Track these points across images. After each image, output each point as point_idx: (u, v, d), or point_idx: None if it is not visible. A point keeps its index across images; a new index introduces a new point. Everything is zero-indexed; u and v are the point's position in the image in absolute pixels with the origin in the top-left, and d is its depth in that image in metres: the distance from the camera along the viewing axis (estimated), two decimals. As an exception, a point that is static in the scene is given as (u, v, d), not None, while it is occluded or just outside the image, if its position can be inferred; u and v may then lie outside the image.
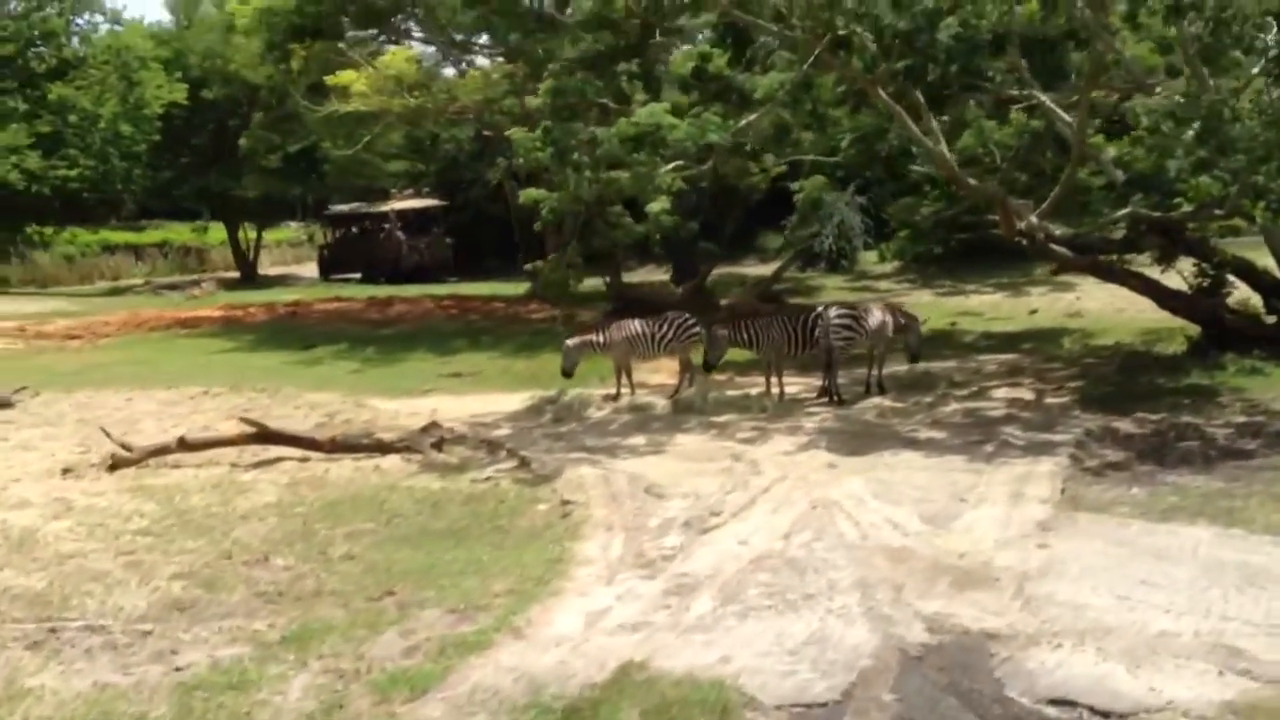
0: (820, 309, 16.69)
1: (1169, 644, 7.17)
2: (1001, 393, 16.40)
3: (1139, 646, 7.15)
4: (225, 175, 43.86)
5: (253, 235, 50.44)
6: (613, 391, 17.13)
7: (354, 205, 48.86)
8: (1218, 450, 12.68)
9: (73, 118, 42.76)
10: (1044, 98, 15.72)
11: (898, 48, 13.23)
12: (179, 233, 55.24)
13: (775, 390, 16.59)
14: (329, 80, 24.29)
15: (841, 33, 14.32)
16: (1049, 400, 15.78)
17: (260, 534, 10.34)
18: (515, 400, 17.20)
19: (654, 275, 39.39)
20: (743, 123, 15.34)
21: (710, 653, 7.23)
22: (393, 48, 25.82)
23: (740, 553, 9.28)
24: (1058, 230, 16.84)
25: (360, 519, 10.82)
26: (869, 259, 37.08)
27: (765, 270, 37.90)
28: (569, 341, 17.06)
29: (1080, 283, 28.58)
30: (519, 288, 33.77)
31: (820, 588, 8.43)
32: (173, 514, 11.01)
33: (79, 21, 46.40)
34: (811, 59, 14.29)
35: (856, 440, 13.56)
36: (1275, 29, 13.37)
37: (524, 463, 12.88)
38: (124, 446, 13.39)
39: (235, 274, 50.18)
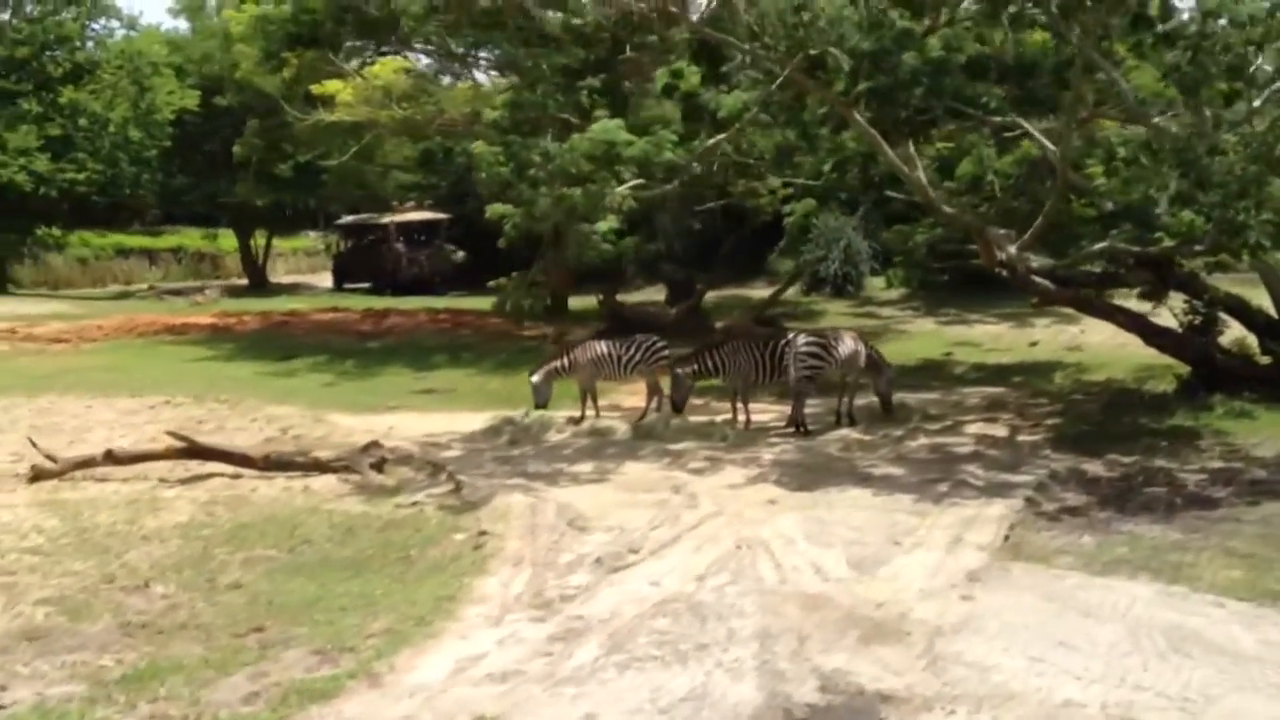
0: (790, 337, 16.12)
1: (1071, 715, 6.58)
2: (975, 428, 15.78)
3: (1038, 718, 6.55)
4: (235, 182, 43.60)
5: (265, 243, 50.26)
6: (577, 414, 16.63)
7: (364, 216, 48.57)
8: (1184, 498, 12.03)
9: (83, 121, 42.66)
10: (1028, 126, 15.13)
11: (865, 69, 12.64)
12: (193, 238, 55.10)
13: (741, 419, 16.02)
14: (314, 89, 23.91)
15: (814, 53, 13.77)
16: (1021, 438, 15.16)
17: (154, 557, 9.88)
18: (479, 419, 16.73)
19: (662, 294, 38.90)
20: (710, 142, 14.81)
21: (575, 709, 6.71)
22: (384, 59, 25.40)
23: (646, 595, 8.74)
24: (1039, 263, 16.12)
25: (265, 544, 10.34)
26: (875, 285, 36.41)
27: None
28: (533, 378, 16.57)
29: (1085, 316, 27.88)
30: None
31: (718, 637, 7.87)
32: (73, 531, 10.57)
33: (94, 26, 46.40)
34: (780, 79, 13.69)
35: (808, 474, 12.98)
36: (1259, 59, 12.74)
37: (457, 488, 12.38)
38: (49, 458, 13.00)
39: (244, 281, 50.05)
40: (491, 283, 18.61)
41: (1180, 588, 8.93)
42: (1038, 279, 16.25)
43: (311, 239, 65.27)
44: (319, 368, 23.33)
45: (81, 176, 42.09)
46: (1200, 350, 16.96)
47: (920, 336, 28.42)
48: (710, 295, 35.43)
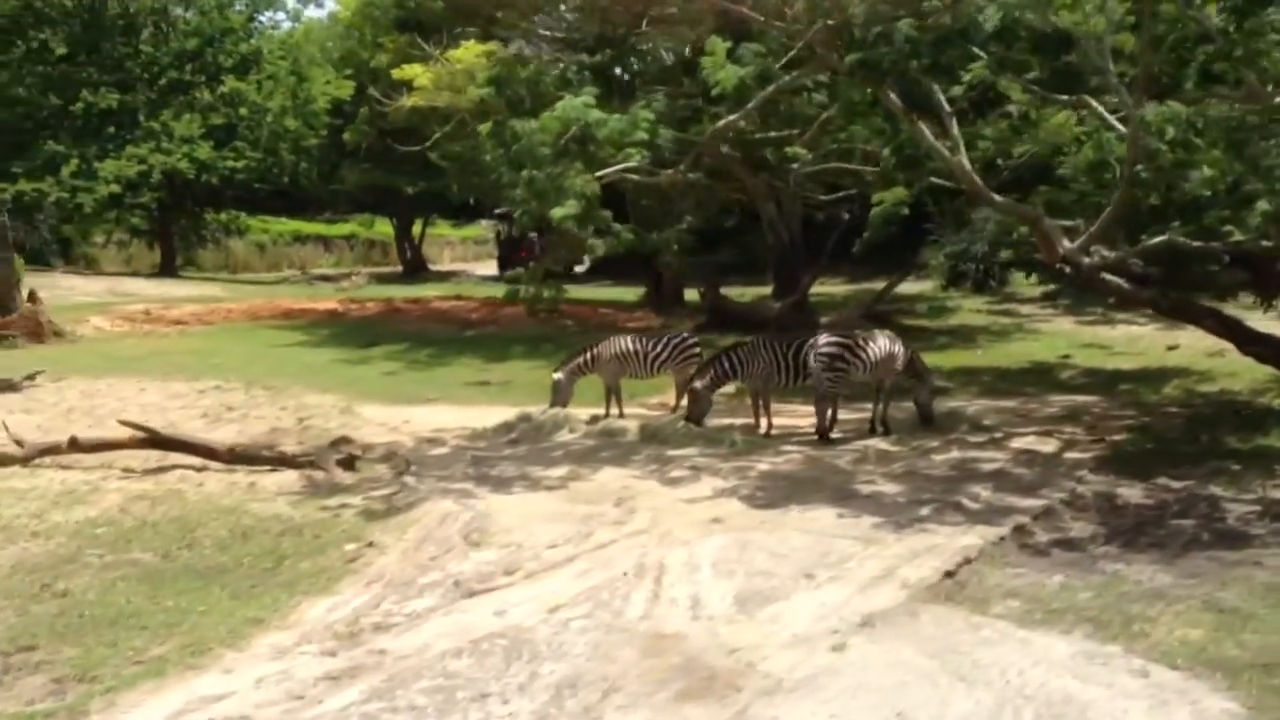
0: (815, 336, 14.77)
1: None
2: (1022, 442, 14.13)
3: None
4: (388, 171, 43.97)
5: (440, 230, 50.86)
6: (600, 412, 15.68)
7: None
8: (1213, 533, 10.31)
9: (243, 111, 43.79)
10: (1096, 104, 13.39)
11: (856, 38, 11.24)
12: (362, 226, 56.30)
13: (763, 423, 14.76)
14: (395, 74, 23.50)
15: (830, 23, 12.45)
16: (1070, 455, 13.48)
17: (16, 557, 9.36)
18: (504, 414, 15.88)
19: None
20: (721, 123, 13.58)
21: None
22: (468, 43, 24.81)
23: (476, 627, 7.73)
24: (1112, 256, 14.30)
25: (147, 546, 9.74)
26: (1019, 280, 34.11)
27: (915, 287, 35.58)
28: (556, 375, 15.67)
29: (1247, 318, 25.35)
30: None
31: (512, 684, 6.83)
32: (-36, 523, 10.17)
33: (261, 19, 47.60)
34: (791, 53, 12.39)
35: (788, 489, 11.71)
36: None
37: (400, 490, 11.56)
38: (16, 443, 12.76)
39: (397, 268, 50.77)
40: (506, 275, 17.62)
41: (1114, 648, 7.41)
42: (1109, 277, 14.42)
43: (483, 227, 65.94)
44: (393, 356, 23.00)
45: (240, 165, 43.14)
46: (1306, 360, 14.83)
47: (1049, 336, 26.37)
48: (836, 290, 34.02)
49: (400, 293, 38.40)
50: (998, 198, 13.90)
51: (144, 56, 44.48)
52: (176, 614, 8.04)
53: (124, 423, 13.03)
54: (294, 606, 8.13)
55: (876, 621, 7.83)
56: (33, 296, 25.45)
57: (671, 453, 13.63)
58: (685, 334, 16.05)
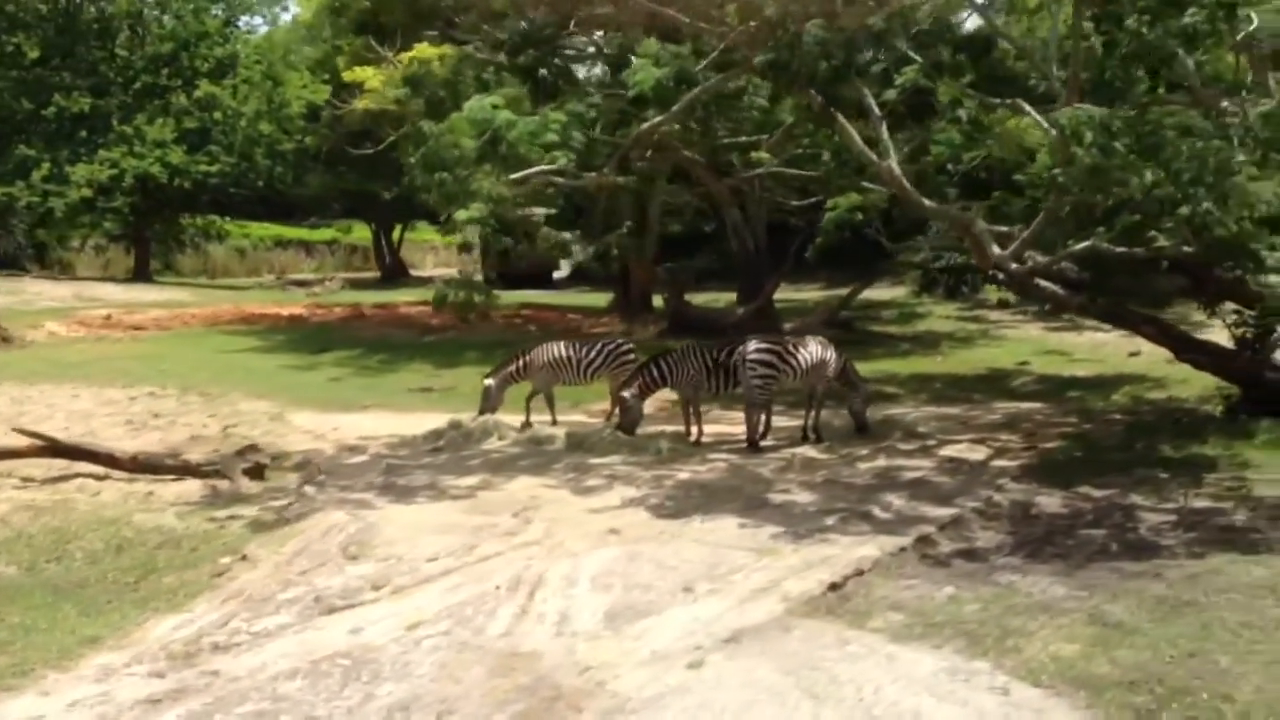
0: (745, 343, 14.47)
1: None
2: (953, 450, 13.85)
3: None
4: (364, 176, 43.66)
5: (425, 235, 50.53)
6: (545, 419, 15.38)
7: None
8: (1121, 544, 10.02)
9: (217, 115, 43.47)
10: (1028, 109, 13.09)
11: (766, 38, 10.95)
12: (340, 231, 55.94)
13: (694, 430, 14.47)
14: (345, 76, 23.15)
15: (754, 24, 12.16)
16: (997, 463, 13.21)
17: (-123, 569, 9.05)
18: (439, 421, 15.57)
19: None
20: (646, 126, 13.29)
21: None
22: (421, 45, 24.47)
23: (326, 646, 7.43)
24: (1046, 263, 14.00)
25: (14, 559, 9.48)
26: (991, 287, 33.76)
27: (889, 293, 35.32)
28: (488, 381, 15.34)
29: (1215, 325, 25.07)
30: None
31: (342, 708, 6.55)
32: None
33: (239, 23, 47.34)
34: (713, 55, 12.10)
35: (697, 499, 11.42)
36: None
37: (296, 501, 11.27)
38: (-92, 452, 12.47)
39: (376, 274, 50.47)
40: (434, 276, 17.33)
41: (982, 664, 7.12)
42: (1042, 283, 14.12)
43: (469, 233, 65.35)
44: (343, 362, 22.72)
45: (214, 169, 42.82)
46: (1246, 367, 14.51)
47: (1012, 343, 26.09)
48: (810, 295, 33.73)
49: (372, 298, 38.16)
50: (928, 203, 13.62)
51: (119, 61, 44.23)
52: (18, 631, 7.74)
53: (20, 431, 12.73)
54: (140, 624, 7.83)
55: (744, 637, 7.53)
56: (-18, 302, 25.14)
57: (595, 461, 13.34)
58: (620, 340, 15.77)
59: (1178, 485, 11.88)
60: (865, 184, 16.57)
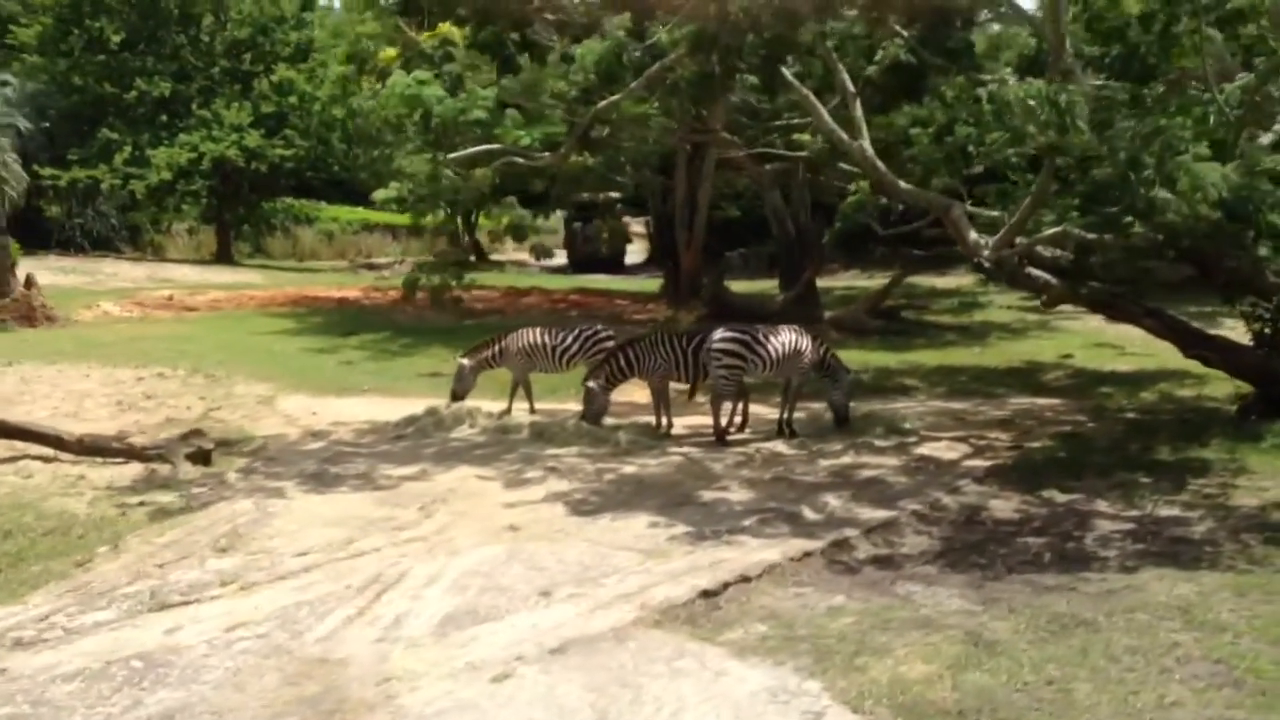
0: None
1: None
2: (930, 448, 13.16)
3: None
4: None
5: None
6: (504, 406, 15.02)
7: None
8: (1055, 554, 9.34)
9: (293, 99, 43.86)
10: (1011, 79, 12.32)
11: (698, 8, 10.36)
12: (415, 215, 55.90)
13: (663, 421, 13.96)
14: (380, 58, 22.98)
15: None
16: (970, 462, 12.50)
17: None
18: (423, 406, 15.30)
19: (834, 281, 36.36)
20: (603, 104, 12.78)
21: None
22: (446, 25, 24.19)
23: (129, 646, 7.14)
24: (1048, 252, 13.19)
25: (-97, 537, 9.32)
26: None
27: (955, 281, 34.33)
28: (463, 360, 14.99)
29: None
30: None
31: (100, 715, 6.23)
32: None
33: (315, 6, 47.68)
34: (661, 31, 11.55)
35: (625, 495, 10.97)
36: None
37: (214, 487, 11.07)
38: None
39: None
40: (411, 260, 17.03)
41: (815, 684, 6.63)
42: (1034, 272, 13.31)
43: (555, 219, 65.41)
44: (365, 345, 22.57)
45: (290, 153, 43.23)
46: (1258, 364, 13.52)
47: (1066, 335, 24.93)
48: (868, 283, 32.83)
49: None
50: (904, 185, 12.90)
51: (200, 45, 44.86)
52: None
53: (-31, 412, 12.74)
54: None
55: (572, 648, 7.05)
56: (29, 281, 25.61)
57: (550, 451, 12.94)
58: (599, 327, 15.26)
59: (1152, 491, 11.08)
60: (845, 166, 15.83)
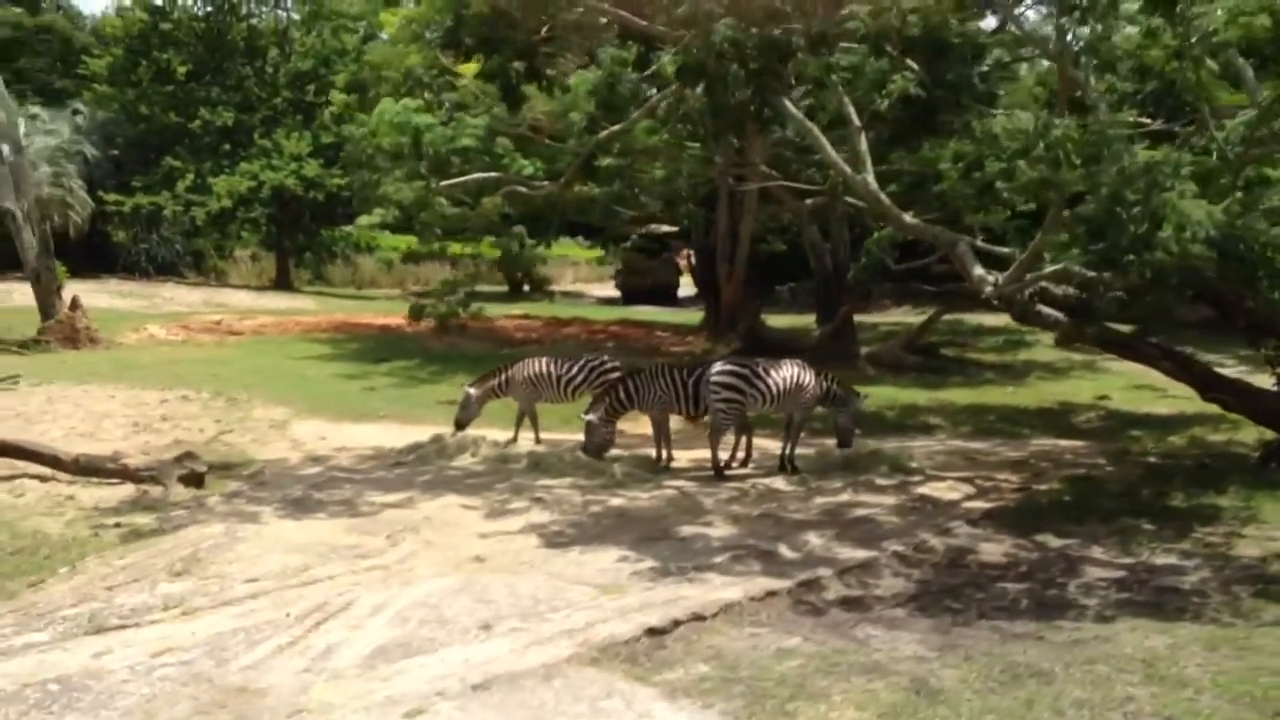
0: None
1: None
2: (931, 488, 12.83)
3: None
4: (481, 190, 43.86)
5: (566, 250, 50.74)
6: (511, 435, 14.93)
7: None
8: (1033, 600, 9.03)
9: (349, 129, 44.34)
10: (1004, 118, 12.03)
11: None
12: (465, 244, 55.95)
13: (663, 453, 13.77)
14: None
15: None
16: (969, 504, 12.17)
17: None
18: (435, 434, 15.28)
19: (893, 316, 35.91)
20: (604, 134, 12.67)
21: None
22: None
23: (53, 669, 7.10)
24: (1061, 290, 12.85)
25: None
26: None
27: (1000, 319, 33.68)
28: (471, 389, 14.93)
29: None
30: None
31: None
32: None
33: (383, 36, 48.23)
34: (667, 57, 11.45)
35: (602, 529, 10.80)
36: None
37: (190, 510, 11.07)
38: None
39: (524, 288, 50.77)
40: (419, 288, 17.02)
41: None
42: (1044, 310, 12.96)
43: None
44: (395, 372, 22.61)
45: (346, 181, 43.68)
46: (1277, 409, 13.03)
47: (1110, 376, 24.30)
48: (911, 319, 32.36)
49: (492, 310, 38.16)
50: (908, 219, 12.62)
51: (265, 77, 45.62)
52: None
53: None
54: None
55: (495, 685, 6.88)
56: (75, 304, 26.01)
57: (542, 482, 12.81)
58: (605, 358, 15.13)
59: (1154, 539, 10.69)
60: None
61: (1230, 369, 18.59)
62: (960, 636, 8.07)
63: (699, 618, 8.22)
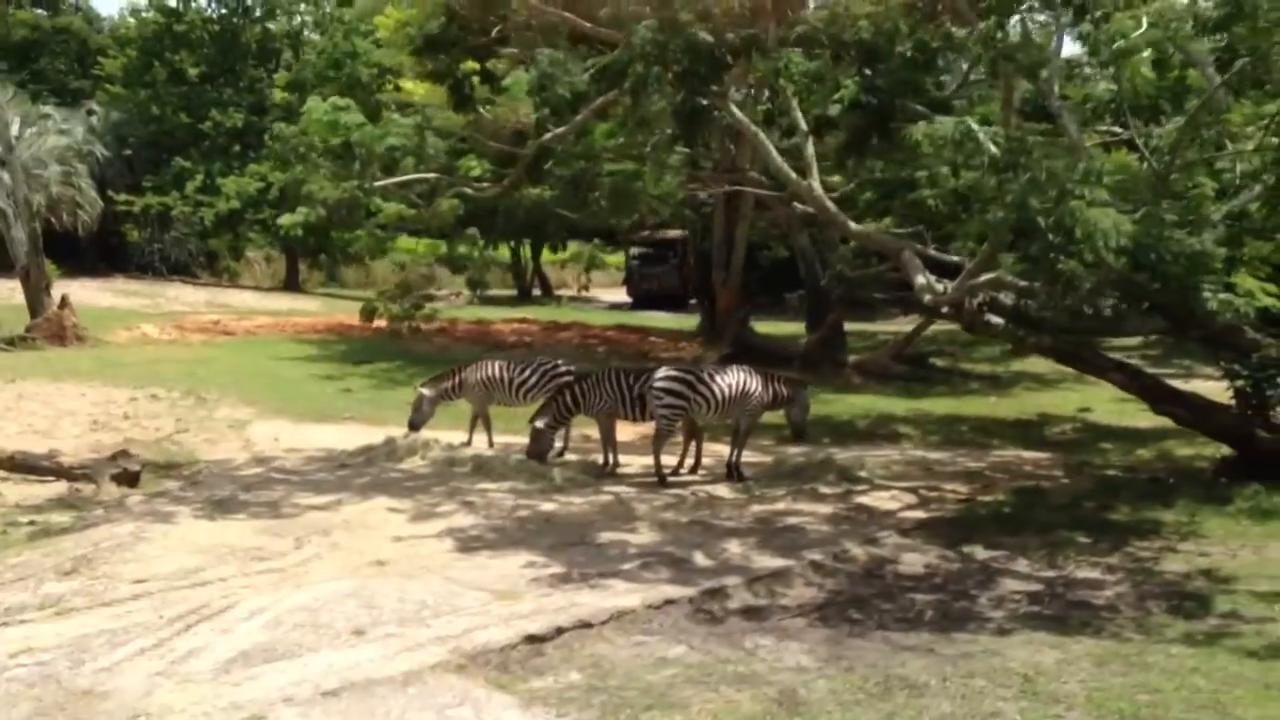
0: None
1: None
2: (872, 497, 12.66)
3: None
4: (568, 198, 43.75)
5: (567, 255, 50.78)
6: (465, 438, 14.85)
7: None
8: (940, 612, 8.85)
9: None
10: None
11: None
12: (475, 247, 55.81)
13: (610, 458, 13.64)
14: (398, 93, 23.06)
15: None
16: (907, 514, 11.99)
17: None
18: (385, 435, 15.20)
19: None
20: (548, 136, 12.55)
21: None
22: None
23: None
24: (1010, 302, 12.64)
25: None
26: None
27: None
28: (424, 390, 14.85)
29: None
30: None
31: None
32: None
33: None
34: (610, 58, 11.33)
35: (523, 534, 10.71)
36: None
37: (106, 509, 11.03)
38: None
39: (538, 290, 50.81)
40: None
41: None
42: (993, 319, 12.75)
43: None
44: (375, 374, 22.51)
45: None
46: (1232, 424, 12.76)
47: (1096, 388, 23.69)
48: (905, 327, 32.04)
49: (489, 314, 38.21)
50: (854, 225, 12.44)
51: (277, 79, 45.78)
52: None
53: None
54: None
55: (347, 692, 6.75)
56: (64, 302, 26.08)
57: (479, 486, 12.75)
58: (559, 362, 15.00)
59: (1087, 552, 10.49)
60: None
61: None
62: (850, 648, 7.90)
63: (586, 625, 8.08)
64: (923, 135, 9.41)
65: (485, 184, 13.54)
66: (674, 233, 44.22)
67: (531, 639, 7.74)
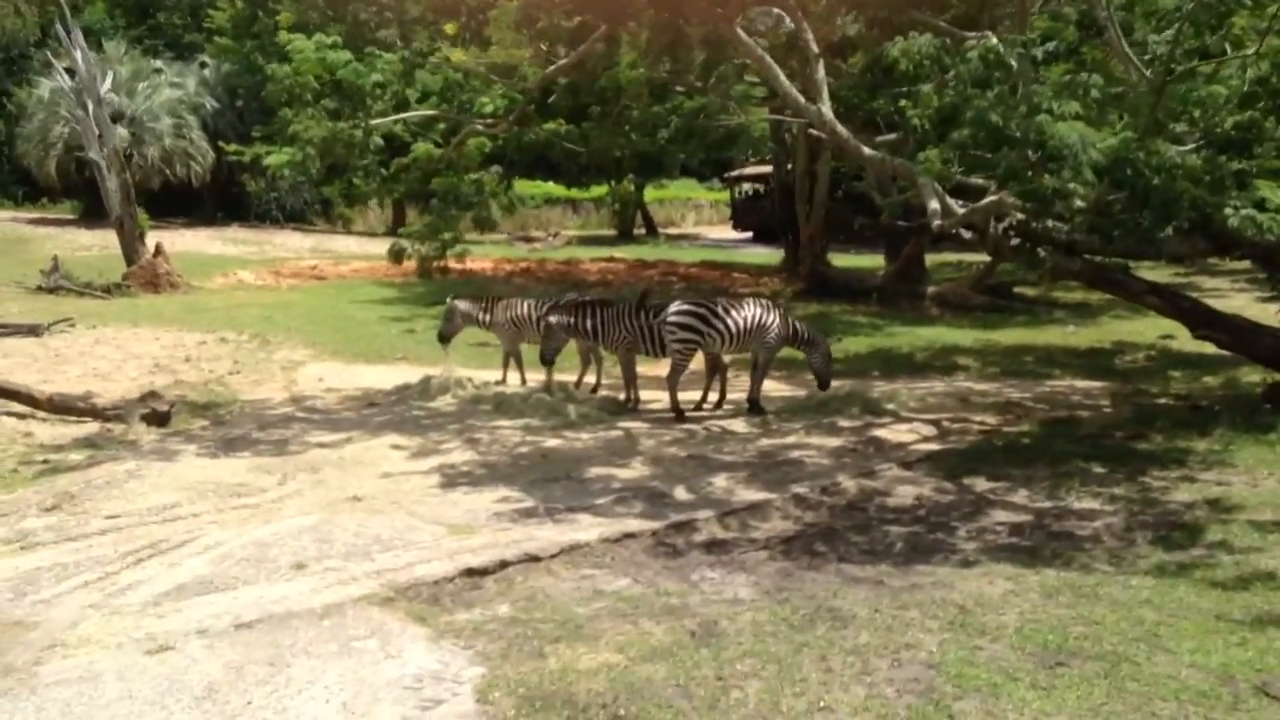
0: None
1: None
2: (892, 429, 12.36)
3: None
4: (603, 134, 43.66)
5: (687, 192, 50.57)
6: (499, 376, 14.94)
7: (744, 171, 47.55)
8: (910, 544, 8.63)
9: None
10: (990, 37, 11.38)
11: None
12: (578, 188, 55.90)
13: (634, 395, 13.56)
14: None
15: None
16: (919, 446, 11.68)
17: None
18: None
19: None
20: (551, 69, 12.39)
21: None
22: None
23: None
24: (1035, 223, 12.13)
25: None
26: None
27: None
28: (458, 303, 14.97)
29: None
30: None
31: None
32: None
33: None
34: None
35: (517, 469, 10.70)
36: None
37: (130, 445, 11.36)
38: None
39: (639, 229, 50.73)
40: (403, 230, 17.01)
41: (476, 670, 6.16)
42: (1020, 244, 12.27)
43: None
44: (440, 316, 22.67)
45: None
46: (1276, 347, 12.11)
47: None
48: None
49: (586, 254, 38.32)
50: (867, 150, 12.05)
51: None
52: None
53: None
54: None
55: (261, 624, 6.82)
56: (158, 250, 26.87)
57: (493, 424, 12.76)
58: (589, 297, 14.90)
59: (1092, 482, 10.07)
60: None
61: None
62: (800, 580, 7.72)
63: (534, 559, 8.03)
64: (899, 52, 9.01)
65: (487, 120, 13.39)
66: (758, 170, 43.76)
67: (470, 572, 7.72)
